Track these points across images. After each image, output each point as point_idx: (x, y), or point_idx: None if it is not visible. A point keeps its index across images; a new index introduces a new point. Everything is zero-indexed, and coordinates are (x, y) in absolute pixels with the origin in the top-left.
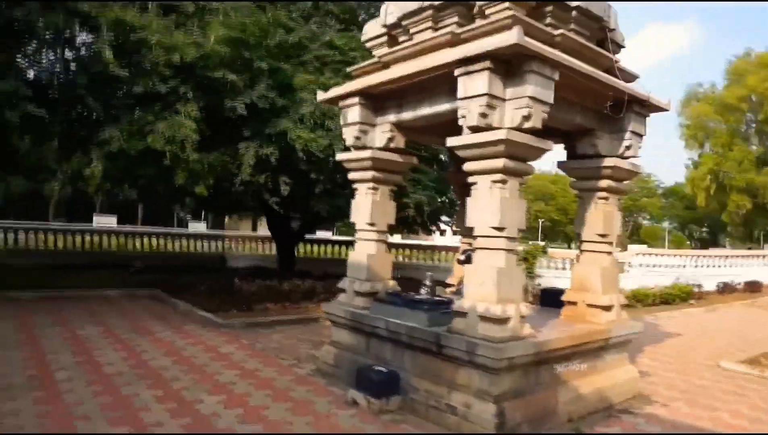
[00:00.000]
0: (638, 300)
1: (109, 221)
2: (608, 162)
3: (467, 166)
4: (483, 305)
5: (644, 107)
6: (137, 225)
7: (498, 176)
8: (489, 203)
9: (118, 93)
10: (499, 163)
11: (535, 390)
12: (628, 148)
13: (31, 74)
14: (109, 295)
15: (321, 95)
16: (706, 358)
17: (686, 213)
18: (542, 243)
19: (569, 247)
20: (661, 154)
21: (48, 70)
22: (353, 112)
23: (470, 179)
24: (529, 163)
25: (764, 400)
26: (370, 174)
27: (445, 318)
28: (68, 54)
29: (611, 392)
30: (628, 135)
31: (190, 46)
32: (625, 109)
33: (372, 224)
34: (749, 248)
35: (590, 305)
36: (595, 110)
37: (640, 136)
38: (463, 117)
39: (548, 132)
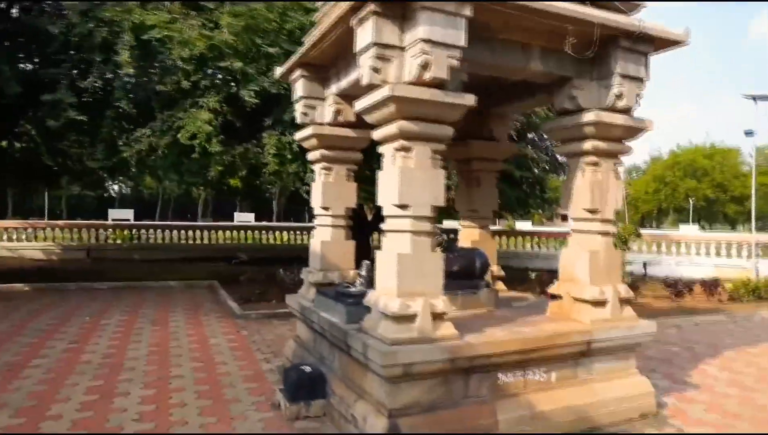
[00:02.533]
0: None
1: (247, 218)
2: (588, 117)
3: (374, 135)
4: (384, 299)
5: (640, 42)
6: (272, 221)
7: (398, 143)
8: (391, 176)
9: (148, 93)
10: (394, 127)
11: (462, 404)
12: (618, 97)
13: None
14: (171, 285)
15: (277, 71)
16: None
17: None
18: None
19: (733, 230)
20: None
21: (85, 77)
22: (298, 86)
23: (379, 150)
24: (445, 124)
25: None
26: (318, 153)
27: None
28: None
29: (597, 410)
30: (616, 80)
31: (199, 39)
32: (596, 45)
33: (326, 208)
34: None
35: (576, 299)
36: (569, 54)
37: (638, 79)
38: (362, 76)
39: (523, 86)
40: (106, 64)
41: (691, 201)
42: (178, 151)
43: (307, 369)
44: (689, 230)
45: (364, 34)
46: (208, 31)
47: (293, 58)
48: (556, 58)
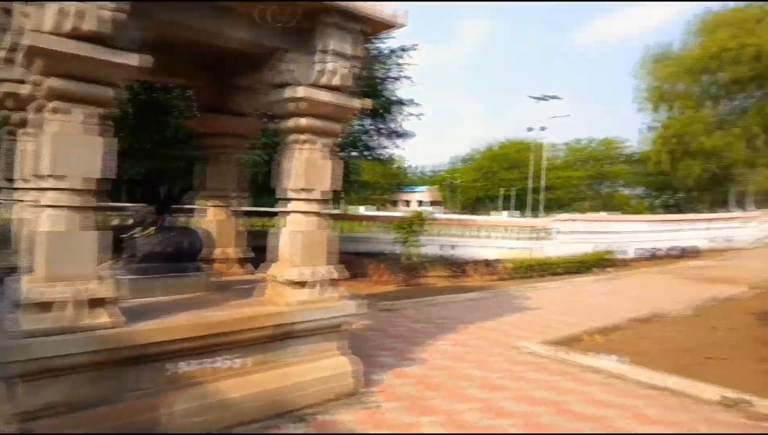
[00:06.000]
0: (544, 269)
1: None
2: (289, 91)
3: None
4: (27, 284)
5: (350, 19)
6: None
7: (54, 103)
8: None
9: None
10: (45, 84)
11: (122, 400)
12: (321, 73)
13: None
14: None
15: None
16: (524, 338)
17: (648, 180)
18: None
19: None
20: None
21: None
22: None
23: None
24: (103, 85)
25: (517, 397)
26: None
27: None
28: None
29: (290, 393)
30: (319, 56)
31: None
32: (283, 16)
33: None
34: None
35: (279, 281)
36: (282, 25)
37: (346, 57)
38: None
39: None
40: None
41: (501, 191)
42: None
43: None
44: (498, 217)
45: None
46: None
47: None
48: (270, 30)
